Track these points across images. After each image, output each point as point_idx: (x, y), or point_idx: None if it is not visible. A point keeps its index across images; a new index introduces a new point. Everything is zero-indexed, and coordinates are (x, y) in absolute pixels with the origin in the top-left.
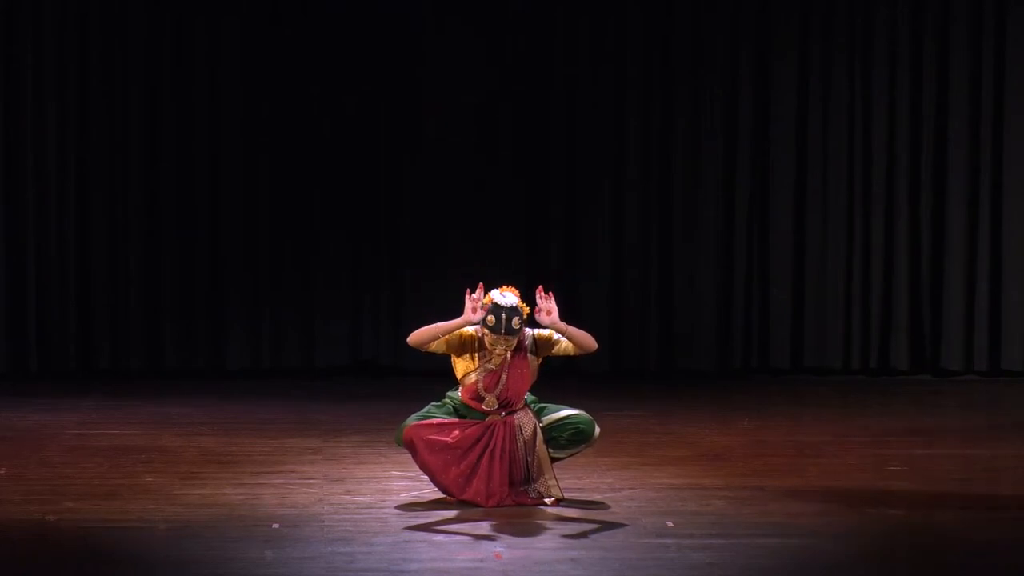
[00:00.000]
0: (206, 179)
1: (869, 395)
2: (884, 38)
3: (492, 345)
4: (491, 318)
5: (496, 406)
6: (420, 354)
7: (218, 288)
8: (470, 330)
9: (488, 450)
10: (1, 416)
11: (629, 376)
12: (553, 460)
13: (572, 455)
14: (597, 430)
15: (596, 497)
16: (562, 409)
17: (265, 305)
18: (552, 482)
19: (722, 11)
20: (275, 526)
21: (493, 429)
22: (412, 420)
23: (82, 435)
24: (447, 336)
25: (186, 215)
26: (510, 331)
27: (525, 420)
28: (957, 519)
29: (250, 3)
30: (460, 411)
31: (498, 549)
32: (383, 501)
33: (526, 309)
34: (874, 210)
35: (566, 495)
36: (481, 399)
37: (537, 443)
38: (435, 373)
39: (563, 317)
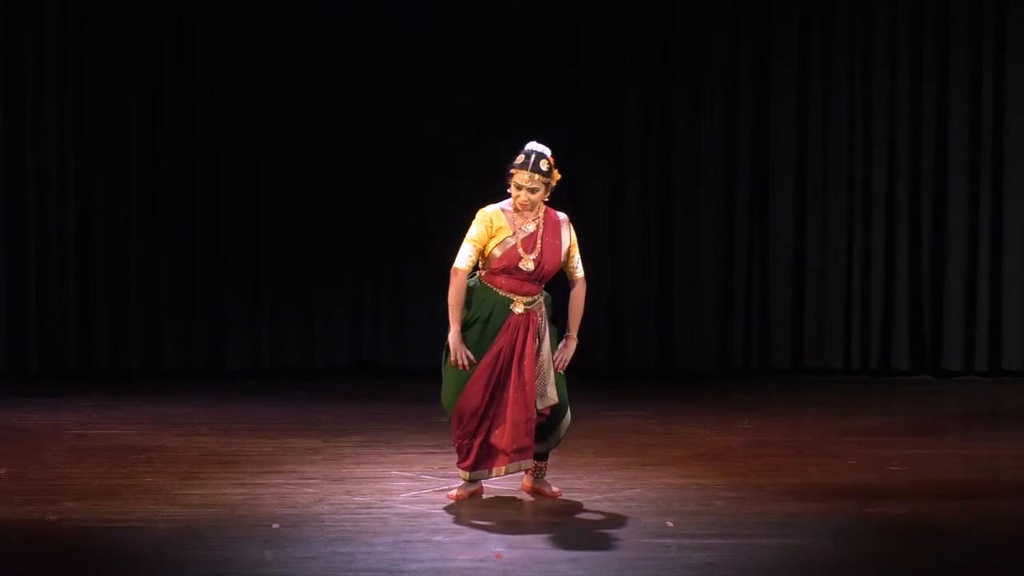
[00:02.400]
0: (206, 179)
1: (869, 395)
2: (884, 38)
3: (518, 188)
4: (520, 157)
5: (532, 268)
6: (420, 354)
7: (218, 288)
8: (487, 217)
9: (512, 345)
10: (1, 416)
11: (629, 376)
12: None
13: (550, 448)
14: (567, 415)
15: (596, 497)
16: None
17: (265, 305)
18: (551, 385)
19: (722, 11)
20: (275, 526)
21: (516, 326)
22: (453, 387)
23: (82, 435)
24: (479, 241)
25: (186, 215)
26: (537, 168)
27: (542, 314)
28: (957, 519)
29: (250, 3)
30: (475, 322)
31: (498, 549)
32: (383, 501)
33: (557, 175)
34: (874, 210)
35: (565, 495)
36: (519, 259)
37: (544, 347)
38: (435, 373)
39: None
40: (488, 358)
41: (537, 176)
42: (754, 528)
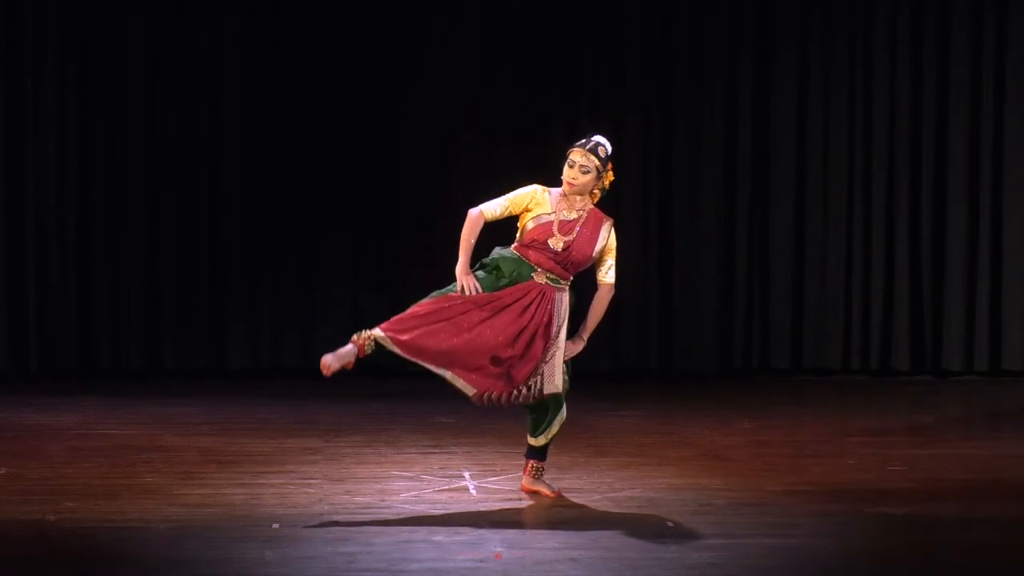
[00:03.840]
0: (206, 179)
1: (869, 395)
2: (884, 38)
3: (570, 166)
4: (582, 139)
5: (560, 249)
6: None
7: (218, 288)
8: (532, 189)
9: (518, 304)
10: (1, 416)
11: (629, 376)
12: (531, 446)
13: (545, 443)
14: (563, 409)
15: (596, 497)
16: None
17: (265, 305)
18: (560, 372)
19: (722, 11)
20: (275, 526)
21: (531, 290)
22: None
23: (82, 435)
24: (513, 203)
25: (186, 215)
26: (593, 150)
27: (565, 304)
28: (957, 519)
29: (251, 2)
30: (499, 274)
31: (498, 549)
32: (383, 501)
33: (611, 176)
34: (874, 210)
35: (565, 495)
36: (550, 236)
37: (563, 332)
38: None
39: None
40: (492, 305)
41: (592, 157)
42: (754, 528)
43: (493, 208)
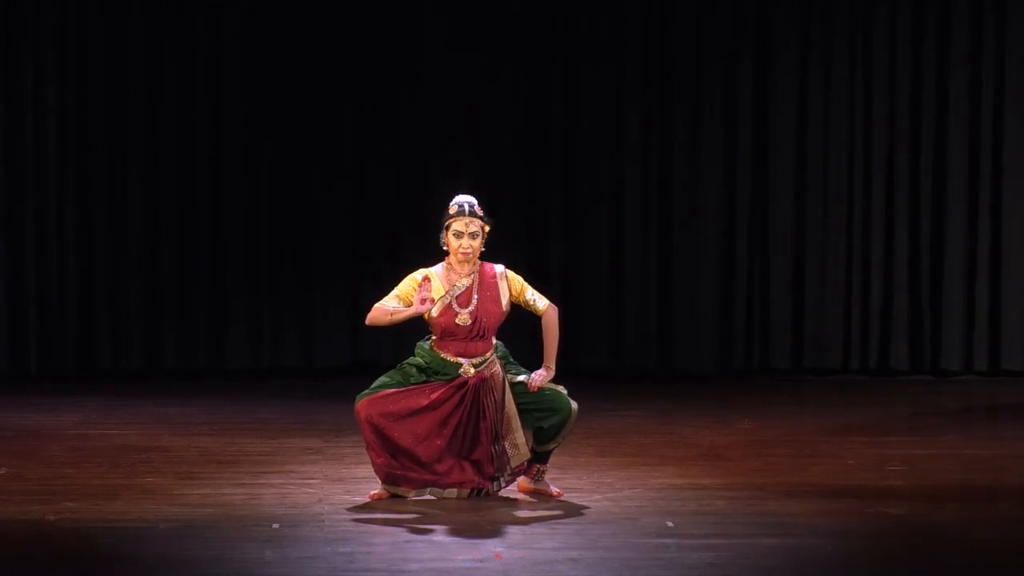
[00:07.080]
0: (206, 179)
1: (869, 395)
2: (884, 38)
3: (459, 237)
4: (453, 208)
5: (469, 323)
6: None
7: (218, 288)
8: (418, 276)
9: (463, 413)
10: (1, 416)
11: (629, 376)
12: (542, 452)
13: (559, 444)
14: (573, 406)
15: (596, 497)
16: (524, 373)
17: (265, 304)
18: (520, 440)
19: (722, 11)
20: (275, 526)
21: (465, 391)
22: (365, 394)
23: (82, 435)
24: (400, 296)
25: (186, 215)
26: (473, 213)
27: (495, 372)
28: (957, 519)
29: (251, 2)
30: (426, 369)
31: (498, 549)
32: (383, 501)
33: (487, 227)
34: (874, 210)
35: (565, 495)
36: (455, 315)
37: (506, 400)
38: None
39: (564, 317)
40: (425, 403)
41: (476, 220)
42: (754, 528)
43: (386, 302)
